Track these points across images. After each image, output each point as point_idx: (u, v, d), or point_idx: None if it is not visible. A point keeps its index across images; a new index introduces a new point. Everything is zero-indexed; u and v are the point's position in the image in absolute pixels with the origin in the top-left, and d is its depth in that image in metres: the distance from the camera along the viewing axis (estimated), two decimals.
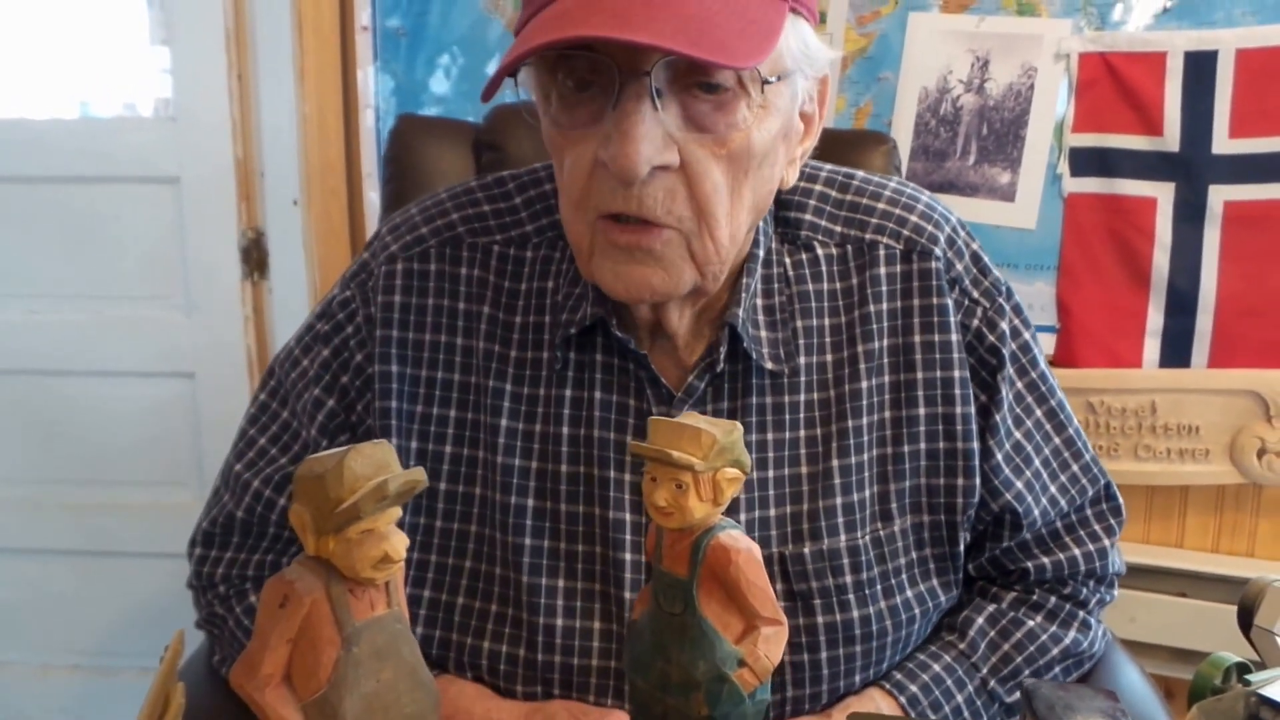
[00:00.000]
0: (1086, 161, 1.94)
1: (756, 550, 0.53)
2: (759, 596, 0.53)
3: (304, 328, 1.02)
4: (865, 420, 0.91)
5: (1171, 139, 1.89)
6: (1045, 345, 2.02)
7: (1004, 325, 0.94)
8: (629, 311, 0.90)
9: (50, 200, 2.07)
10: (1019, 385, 0.96)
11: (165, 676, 0.52)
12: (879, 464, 0.92)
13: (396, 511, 0.48)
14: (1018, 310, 0.98)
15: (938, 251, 0.93)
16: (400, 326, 0.94)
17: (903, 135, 2.00)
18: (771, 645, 0.52)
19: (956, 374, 0.92)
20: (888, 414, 0.92)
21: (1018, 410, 0.96)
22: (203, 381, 2.15)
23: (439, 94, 2.13)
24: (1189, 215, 1.92)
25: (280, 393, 1.01)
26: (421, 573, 0.93)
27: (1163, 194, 1.92)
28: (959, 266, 0.94)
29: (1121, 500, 1.04)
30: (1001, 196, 1.99)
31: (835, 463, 0.90)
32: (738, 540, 0.53)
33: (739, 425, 0.54)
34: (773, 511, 0.90)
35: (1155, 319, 1.97)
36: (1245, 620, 0.50)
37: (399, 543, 0.47)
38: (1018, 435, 0.96)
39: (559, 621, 0.89)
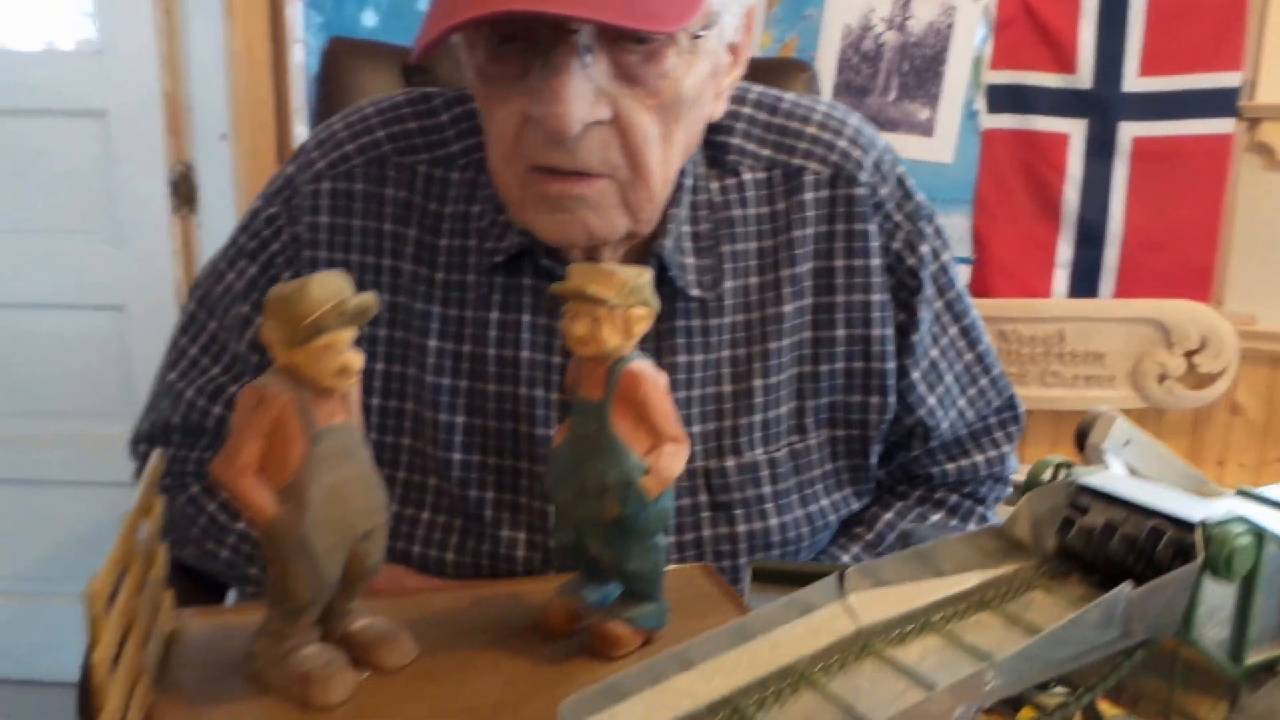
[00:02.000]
0: (1003, 98, 1.99)
1: (663, 378, 0.57)
2: (663, 417, 0.56)
3: (229, 241, 1.00)
4: (786, 341, 0.92)
5: (1085, 76, 1.95)
6: (961, 277, 2.09)
7: (924, 248, 0.95)
8: (562, 252, 0.91)
9: None
10: (936, 305, 0.98)
11: (148, 489, 0.55)
12: (797, 381, 0.94)
13: (353, 331, 0.52)
14: (939, 233, 0.98)
15: (863, 177, 0.93)
16: (327, 247, 0.93)
17: (826, 71, 2.03)
18: (673, 459, 0.56)
19: (875, 297, 0.93)
20: (807, 334, 0.93)
21: (935, 330, 0.98)
22: (132, 314, 2.13)
23: (369, 28, 2.12)
24: (1099, 151, 1.98)
25: (208, 303, 1.00)
26: None
27: (1075, 130, 1.98)
28: (883, 191, 0.94)
29: (1022, 409, 1.08)
30: (921, 132, 2.03)
31: (757, 382, 0.92)
32: (646, 368, 0.56)
33: (648, 270, 0.57)
34: (696, 428, 0.91)
35: (1065, 251, 2.04)
36: (1080, 442, 0.55)
37: (355, 357, 0.52)
38: (933, 354, 0.99)
39: (489, 531, 0.91)
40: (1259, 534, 0.44)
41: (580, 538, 0.58)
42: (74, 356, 2.17)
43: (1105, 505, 0.47)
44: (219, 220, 2.17)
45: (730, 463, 0.91)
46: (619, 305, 0.54)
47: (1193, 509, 0.44)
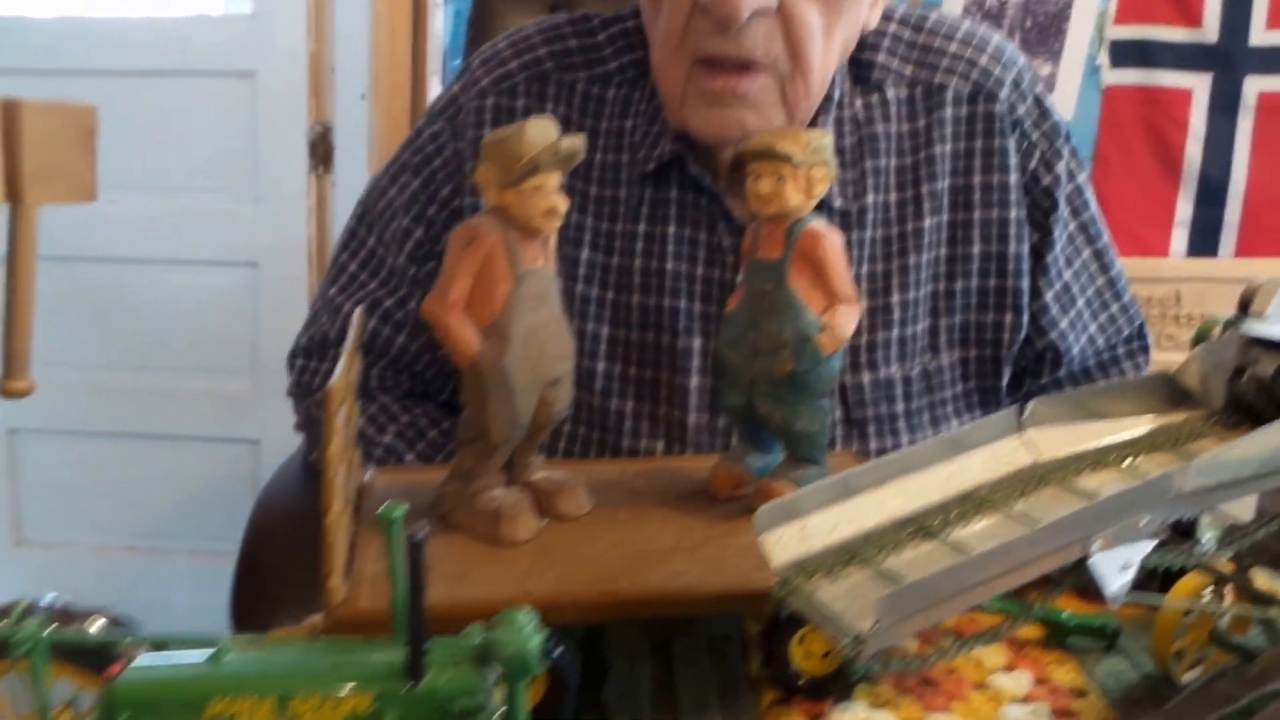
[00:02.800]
0: (1126, 53, 1.94)
1: (839, 239, 0.58)
2: (839, 277, 0.57)
3: (393, 159, 1.05)
4: (924, 257, 0.92)
5: (1210, 30, 1.89)
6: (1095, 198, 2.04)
7: (1060, 168, 0.94)
8: (706, 150, 0.91)
9: (126, 94, 2.11)
10: (1071, 227, 0.98)
11: (353, 349, 0.58)
12: (932, 300, 0.94)
13: (560, 174, 0.55)
14: (1074, 154, 0.98)
15: (1002, 94, 0.93)
16: None
17: None
18: (847, 319, 0.57)
19: (1013, 214, 0.93)
20: (943, 251, 0.93)
21: (1069, 251, 0.98)
22: (265, 272, 2.17)
23: None
24: (1223, 106, 1.91)
25: (367, 220, 1.04)
26: None
27: (1199, 85, 1.92)
28: (1021, 109, 0.94)
29: (1150, 340, 1.07)
30: (1045, 88, 1.99)
31: (895, 298, 0.92)
32: (825, 227, 0.58)
33: (829, 134, 0.59)
34: None
35: (1185, 209, 1.98)
36: (1244, 310, 0.55)
37: (562, 200, 0.55)
38: (1066, 276, 0.98)
39: (626, 442, 0.94)
40: None
41: (750, 399, 0.59)
42: (207, 313, 2.21)
43: (1276, 356, 0.47)
44: (354, 180, 2.21)
45: (866, 378, 0.92)
46: (803, 163, 0.56)
47: None
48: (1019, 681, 0.56)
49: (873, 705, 0.54)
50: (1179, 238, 2.00)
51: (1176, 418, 0.49)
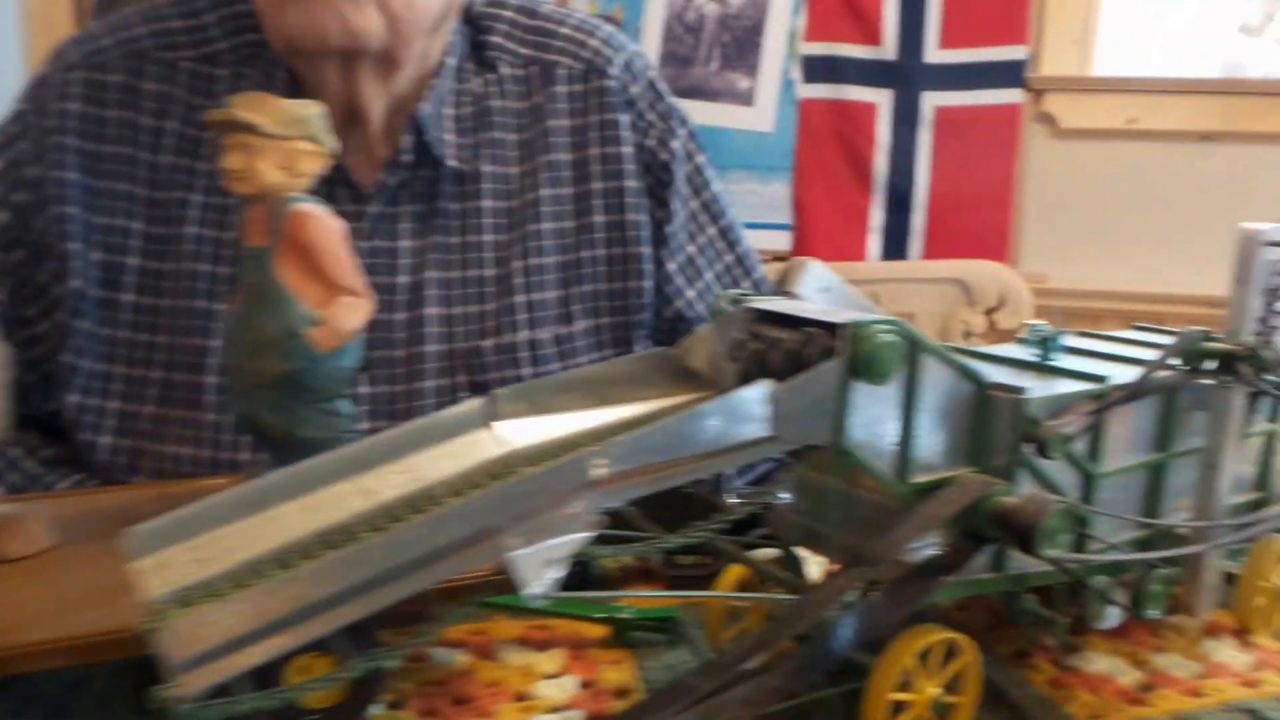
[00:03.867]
0: (817, 69, 1.99)
1: (336, 223, 0.50)
2: (337, 265, 0.50)
3: None
4: (548, 226, 0.92)
5: (890, 48, 1.96)
6: (781, 242, 2.07)
7: (676, 145, 0.96)
8: (320, 98, 0.87)
9: None
10: (692, 204, 0.98)
11: None
12: (562, 269, 0.92)
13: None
14: (692, 136, 0.99)
15: (613, 71, 0.94)
16: (79, 135, 0.87)
17: (651, 41, 1.99)
18: (347, 312, 0.49)
19: (629, 183, 0.93)
20: (569, 223, 0.93)
21: (691, 228, 0.98)
22: None
23: None
24: (905, 119, 1.99)
25: None
26: (109, 384, 0.87)
27: (883, 100, 1.99)
28: (635, 89, 0.95)
29: None
30: (742, 101, 2.01)
31: (517, 263, 0.90)
32: (316, 210, 0.50)
33: (323, 106, 0.51)
34: (459, 309, 0.90)
35: (877, 216, 2.04)
36: (782, 287, 0.51)
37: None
38: (690, 250, 0.98)
39: (166, 449, 0.88)
40: (912, 341, 0.40)
41: (253, 406, 0.51)
42: None
43: (780, 330, 0.43)
44: None
45: (488, 343, 0.90)
46: (277, 135, 0.47)
47: (850, 318, 0.40)
48: (564, 687, 0.50)
49: None
50: (874, 242, 2.06)
51: (681, 399, 0.44)
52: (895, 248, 2.05)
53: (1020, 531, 0.39)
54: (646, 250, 0.95)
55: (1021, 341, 0.56)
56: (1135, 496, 0.53)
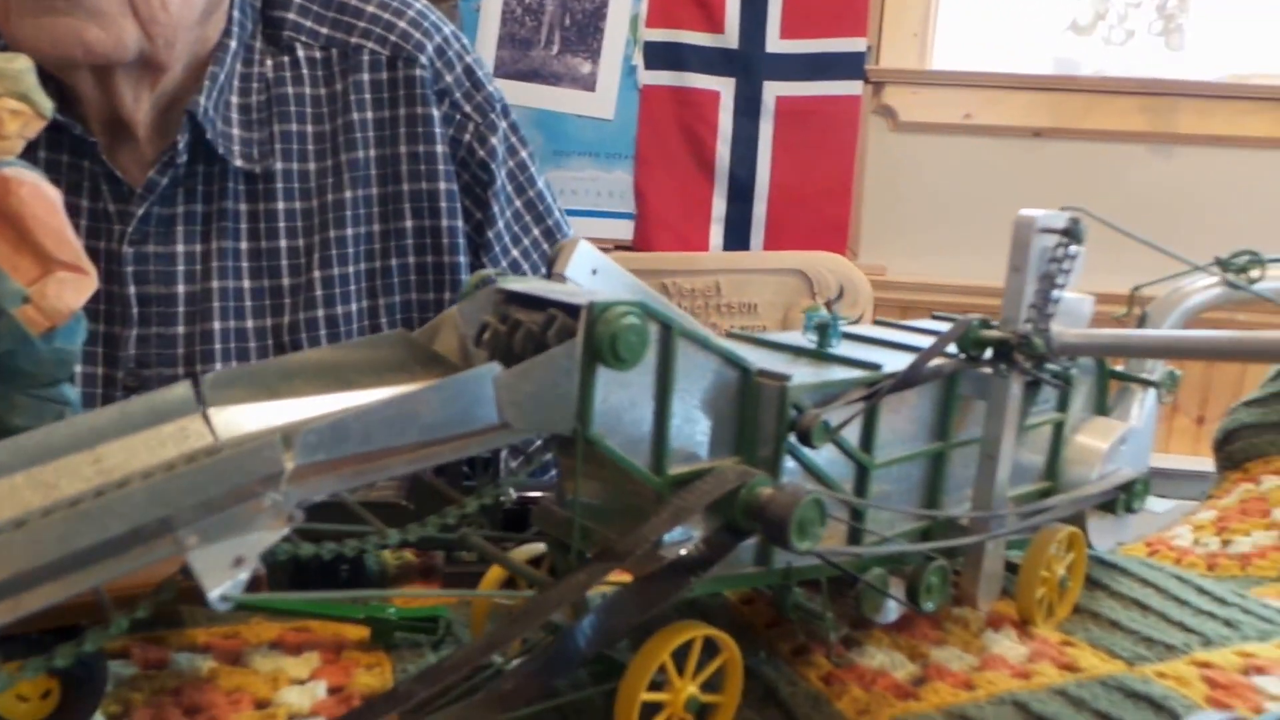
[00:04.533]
0: (659, 55, 1.98)
1: (51, 190, 0.46)
2: (51, 237, 0.45)
3: None
4: (351, 231, 0.84)
5: (732, 36, 1.97)
6: (624, 231, 2.07)
7: (496, 142, 0.89)
8: (79, 102, 0.79)
9: None
10: (517, 204, 0.93)
11: None
12: (368, 278, 0.85)
13: None
14: (515, 129, 0.93)
15: (424, 59, 0.86)
16: None
17: (490, 23, 1.95)
18: (65, 289, 0.45)
19: (443, 186, 0.86)
20: (376, 227, 0.85)
21: (515, 229, 0.93)
22: None
23: None
24: (747, 109, 2.01)
25: None
26: None
27: (725, 88, 2.00)
28: (449, 78, 0.87)
29: None
30: (583, 86, 1.99)
31: (318, 274, 0.83)
32: (24, 174, 0.45)
33: (32, 63, 0.46)
34: (251, 323, 0.81)
35: (720, 206, 2.06)
36: (548, 272, 0.49)
37: None
38: (514, 254, 0.93)
39: None
40: (664, 324, 0.38)
41: None
42: None
43: (529, 311, 0.41)
44: None
45: None
46: None
47: (597, 297, 0.38)
48: (310, 693, 0.47)
49: None
50: (716, 233, 2.07)
51: (426, 383, 0.42)
52: (737, 238, 2.06)
53: (772, 524, 0.38)
54: (463, 259, 0.88)
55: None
56: (915, 488, 0.53)
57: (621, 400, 0.38)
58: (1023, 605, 0.57)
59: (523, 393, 0.34)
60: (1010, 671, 0.50)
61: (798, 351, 0.50)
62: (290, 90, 0.83)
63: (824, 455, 0.46)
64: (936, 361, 0.50)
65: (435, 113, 0.86)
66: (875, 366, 0.47)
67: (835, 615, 0.52)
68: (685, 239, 2.06)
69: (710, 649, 0.41)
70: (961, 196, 2.08)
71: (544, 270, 0.96)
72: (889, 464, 0.49)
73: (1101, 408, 0.65)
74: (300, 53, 0.84)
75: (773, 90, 1.99)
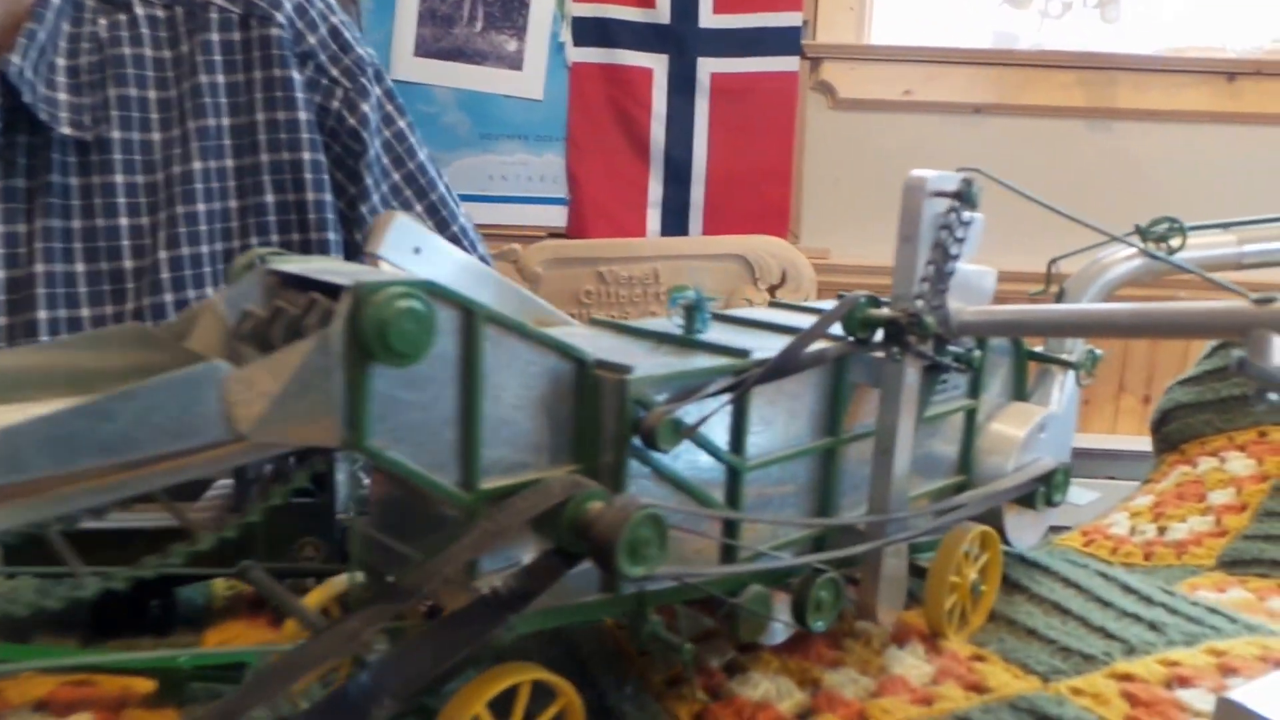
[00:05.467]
0: (588, 31, 1.91)
1: None
2: None
3: None
4: (203, 208, 0.77)
5: (663, 11, 1.90)
6: (557, 217, 1.99)
7: (367, 109, 0.82)
8: None
9: None
10: (395, 177, 0.86)
11: None
12: (225, 259, 0.78)
13: None
14: (390, 96, 0.86)
15: (280, 18, 0.80)
16: None
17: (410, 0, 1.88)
18: None
19: (307, 157, 0.80)
20: (233, 203, 0.78)
21: (394, 204, 0.86)
22: None
23: None
24: (681, 87, 1.94)
25: None
26: None
27: (658, 65, 1.93)
28: (312, 39, 0.81)
29: None
30: (509, 65, 1.92)
31: (164, 255, 0.75)
32: None
33: None
34: (86, 311, 0.73)
35: (656, 190, 1.99)
36: (365, 250, 0.43)
37: None
38: None
39: None
40: (465, 308, 0.32)
41: None
42: None
43: (291, 297, 0.34)
44: None
45: None
46: None
47: (371, 276, 0.31)
48: None
49: None
50: (653, 217, 2.01)
51: None
52: (675, 223, 2.00)
53: (597, 546, 0.32)
54: (333, 236, 0.81)
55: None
56: (804, 490, 0.47)
57: (413, 402, 0.32)
58: (931, 617, 0.51)
59: (263, 397, 0.28)
60: (910, 697, 0.45)
61: (661, 338, 0.44)
62: (128, 51, 0.76)
63: (691, 459, 0.40)
64: (819, 346, 0.44)
65: (296, 76, 0.79)
66: (743, 353, 0.41)
67: (719, 637, 0.46)
68: (621, 225, 1.99)
69: (543, 694, 0.35)
70: (903, 175, 2.02)
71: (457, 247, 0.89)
72: (765, 464, 0.43)
73: (1020, 392, 0.59)
74: (139, 10, 0.77)
75: (707, 67, 1.92)
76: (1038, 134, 2.00)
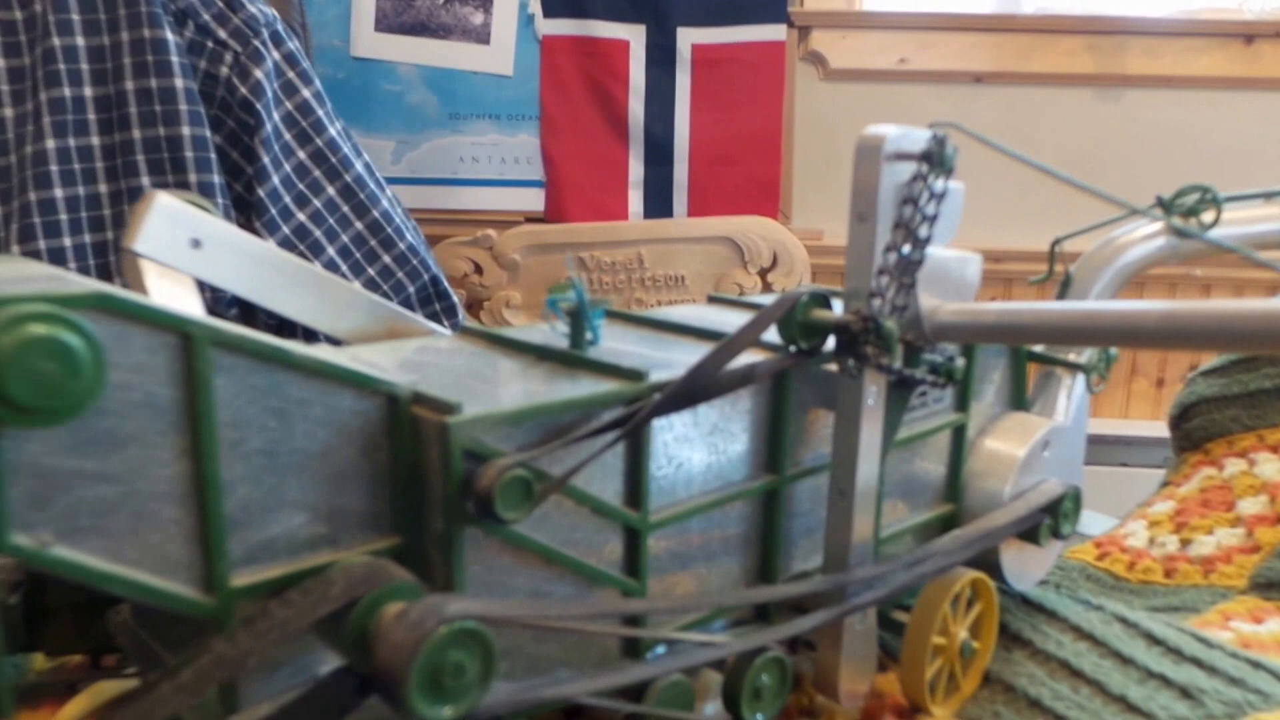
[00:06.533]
0: (559, 1, 1.81)
1: None
2: None
3: None
4: (62, 194, 0.67)
5: None
6: (534, 201, 1.89)
7: (261, 76, 0.72)
8: None
9: None
10: (300, 155, 0.75)
11: None
12: (95, 253, 0.68)
13: None
14: (292, 60, 0.75)
15: None
16: None
17: None
18: None
19: (186, 132, 0.70)
20: (102, 188, 0.67)
21: (300, 187, 0.75)
22: None
23: None
24: (661, 60, 1.83)
25: None
26: None
27: (635, 36, 1.82)
28: None
29: (456, 298, 0.88)
30: (476, 39, 1.81)
31: (17, 249, 0.67)
32: None
33: None
34: None
35: (637, 170, 1.88)
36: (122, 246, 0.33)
37: None
38: (301, 217, 0.75)
39: None
40: (180, 331, 0.21)
41: None
42: None
43: None
44: None
45: None
46: None
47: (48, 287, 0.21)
48: None
49: None
50: (635, 199, 1.90)
51: None
52: (659, 204, 1.90)
53: (379, 676, 0.22)
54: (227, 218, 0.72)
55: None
56: (739, 545, 0.36)
57: (95, 473, 0.21)
58: (910, 687, 0.41)
59: None
60: None
61: (540, 354, 0.34)
62: None
63: (569, 515, 0.30)
64: (749, 359, 0.34)
65: (172, 38, 0.68)
66: (638, 375, 0.31)
67: None
68: (601, 207, 1.88)
69: None
70: None
71: (345, 241, 0.79)
72: (677, 518, 0.33)
73: (1019, 400, 0.49)
74: None
75: (688, 37, 1.81)
76: (1043, 104, 1.89)
